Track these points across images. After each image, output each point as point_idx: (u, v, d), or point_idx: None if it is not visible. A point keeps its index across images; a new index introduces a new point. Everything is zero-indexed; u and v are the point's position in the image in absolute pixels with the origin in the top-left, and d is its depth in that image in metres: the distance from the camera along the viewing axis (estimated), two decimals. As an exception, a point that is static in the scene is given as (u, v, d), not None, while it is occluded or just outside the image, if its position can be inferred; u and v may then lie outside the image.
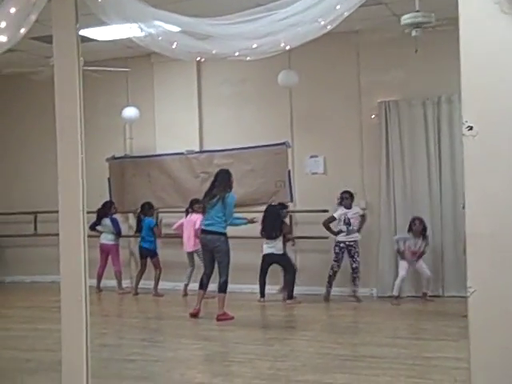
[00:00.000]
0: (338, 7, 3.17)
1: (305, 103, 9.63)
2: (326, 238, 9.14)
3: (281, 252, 8.93)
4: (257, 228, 8.97)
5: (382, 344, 6.42)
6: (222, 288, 7.77)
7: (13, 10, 3.53)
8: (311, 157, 9.64)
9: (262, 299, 8.98)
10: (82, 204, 3.44)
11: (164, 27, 3.63)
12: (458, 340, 6.36)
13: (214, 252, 7.83)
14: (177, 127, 10.18)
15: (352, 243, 8.89)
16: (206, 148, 10.26)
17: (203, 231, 7.90)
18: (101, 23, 3.98)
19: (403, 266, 8.64)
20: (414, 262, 8.63)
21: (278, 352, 6.32)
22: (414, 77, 8.99)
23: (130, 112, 10.10)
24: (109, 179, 10.71)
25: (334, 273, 8.94)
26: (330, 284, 8.98)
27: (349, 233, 8.91)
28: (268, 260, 8.94)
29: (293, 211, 9.53)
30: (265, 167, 9.78)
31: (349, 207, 8.96)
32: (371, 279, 9.16)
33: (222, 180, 7.87)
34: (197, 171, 10.16)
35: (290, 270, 8.91)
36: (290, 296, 8.88)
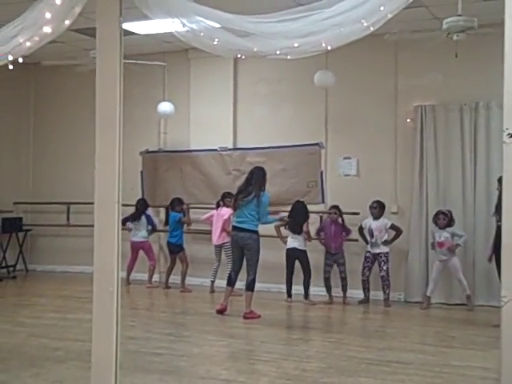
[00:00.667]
0: (382, 8, 3.14)
1: (340, 104, 9.60)
2: (356, 240, 9.11)
3: (303, 248, 8.91)
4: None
5: (409, 350, 6.37)
6: (250, 286, 7.78)
7: (58, 2, 3.57)
8: (344, 158, 9.60)
9: (289, 299, 8.97)
10: (117, 196, 3.47)
11: (206, 23, 3.63)
12: (486, 350, 6.30)
13: (244, 249, 7.84)
14: (211, 123, 10.21)
15: (378, 254, 8.83)
16: (239, 145, 10.27)
17: (235, 228, 7.88)
18: (142, 17, 4.01)
19: (434, 269, 8.55)
20: (447, 259, 8.43)
21: (304, 353, 6.30)
22: (452, 81, 8.90)
23: (165, 107, 10.17)
24: (141, 173, 10.80)
25: (363, 280, 8.94)
26: (363, 289, 8.97)
27: (372, 245, 8.87)
28: (291, 254, 8.92)
29: (323, 212, 9.49)
30: (297, 167, 9.76)
31: (376, 217, 8.90)
32: (400, 284, 9.09)
33: (258, 178, 7.85)
34: (229, 168, 10.18)
35: (307, 270, 8.89)
36: (306, 296, 8.87)
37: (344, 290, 8.99)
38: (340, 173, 9.65)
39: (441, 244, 8.45)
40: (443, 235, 8.44)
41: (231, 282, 8.04)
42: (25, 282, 10.86)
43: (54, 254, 11.50)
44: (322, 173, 9.65)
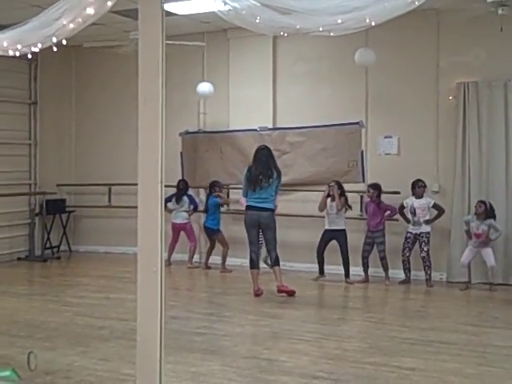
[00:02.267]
0: (428, -18, 3.07)
1: (381, 82, 9.47)
2: (397, 220, 9.04)
3: (341, 227, 8.95)
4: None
5: (452, 330, 6.34)
6: (277, 261, 7.93)
7: (101, -17, 3.59)
8: (385, 137, 9.50)
9: (319, 276, 9.05)
10: (160, 176, 3.50)
11: (248, 1, 3.60)
12: (531, 330, 6.24)
13: (264, 229, 7.98)
14: (250, 103, 10.18)
15: (419, 234, 8.78)
16: (279, 125, 10.22)
17: (257, 208, 7.90)
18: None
19: (466, 252, 8.48)
20: (480, 248, 8.39)
21: (345, 333, 6.32)
22: (496, 57, 8.70)
23: (204, 87, 10.15)
24: (181, 153, 10.84)
25: (403, 261, 8.90)
26: (404, 269, 8.94)
27: (414, 223, 8.80)
28: (328, 235, 9.02)
29: (363, 192, 9.42)
30: (337, 146, 9.68)
31: (419, 196, 8.84)
32: (442, 264, 9.00)
33: (272, 157, 8.04)
34: (269, 148, 10.14)
35: (344, 250, 8.92)
36: (347, 274, 8.92)
37: (385, 269, 8.94)
38: (381, 152, 9.56)
39: (478, 235, 8.37)
40: (481, 227, 8.35)
41: (255, 264, 8.04)
42: (69, 263, 11.06)
43: (97, 235, 11.66)
44: (362, 152, 9.56)
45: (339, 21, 3.45)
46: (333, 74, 9.79)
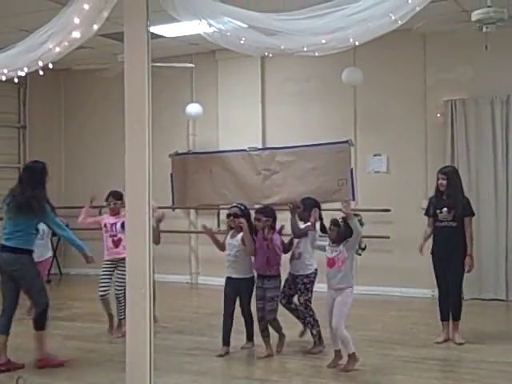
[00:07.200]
0: (410, 1, 3.11)
1: (369, 101, 9.53)
2: (388, 237, 9.03)
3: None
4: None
5: (444, 347, 6.33)
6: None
7: (86, 7, 3.61)
8: (374, 155, 9.54)
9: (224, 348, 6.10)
10: (148, 198, 3.50)
11: (232, 23, 3.64)
12: (523, 346, 6.23)
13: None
14: (240, 124, 10.22)
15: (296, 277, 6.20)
16: (268, 145, 10.26)
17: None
18: (169, 20, 4.03)
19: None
20: (335, 295, 5.68)
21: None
22: (482, 74, 8.80)
23: (193, 108, 10.22)
24: (171, 175, 10.84)
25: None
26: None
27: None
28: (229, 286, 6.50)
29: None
30: (327, 165, 9.72)
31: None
32: (432, 280, 8.96)
33: (32, 175, 6.12)
34: (259, 168, 10.17)
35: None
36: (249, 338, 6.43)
37: (266, 336, 6.12)
38: (370, 170, 9.60)
39: (331, 261, 5.65)
40: (339, 250, 5.63)
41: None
42: (59, 286, 10.99)
43: (88, 258, 11.57)
44: (351, 170, 9.60)
45: (323, 41, 3.48)
46: (321, 93, 9.86)
